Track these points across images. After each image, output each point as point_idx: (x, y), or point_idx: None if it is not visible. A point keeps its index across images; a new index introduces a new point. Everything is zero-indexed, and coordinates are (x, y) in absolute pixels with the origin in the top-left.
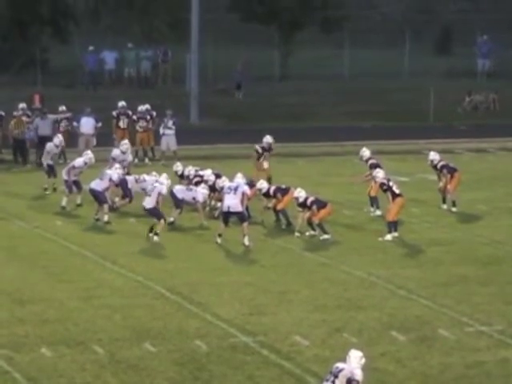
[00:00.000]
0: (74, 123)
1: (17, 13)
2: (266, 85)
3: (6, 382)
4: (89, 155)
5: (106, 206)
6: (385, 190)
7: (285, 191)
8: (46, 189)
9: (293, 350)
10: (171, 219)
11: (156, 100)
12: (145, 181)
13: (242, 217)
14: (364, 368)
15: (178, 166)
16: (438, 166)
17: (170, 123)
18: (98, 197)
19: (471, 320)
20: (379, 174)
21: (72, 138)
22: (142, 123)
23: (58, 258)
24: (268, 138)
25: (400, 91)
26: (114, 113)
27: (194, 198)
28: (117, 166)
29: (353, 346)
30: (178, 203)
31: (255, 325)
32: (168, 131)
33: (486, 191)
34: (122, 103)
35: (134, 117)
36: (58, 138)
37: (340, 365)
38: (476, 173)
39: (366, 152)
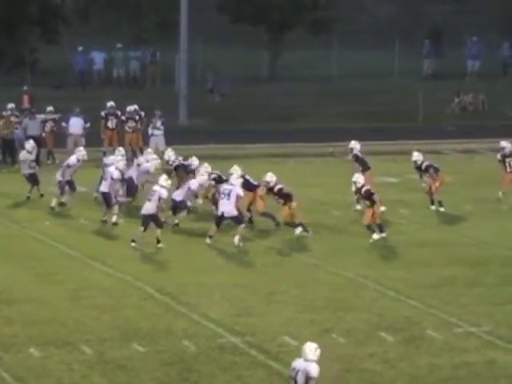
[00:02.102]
0: (63, 123)
1: (5, 13)
2: (255, 86)
3: None
4: (81, 152)
5: (115, 208)
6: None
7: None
8: (28, 197)
9: (281, 350)
10: (176, 221)
11: (145, 100)
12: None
13: (237, 220)
14: (352, 369)
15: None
16: (423, 167)
17: (159, 123)
18: (109, 199)
19: (459, 321)
20: (360, 179)
21: (61, 139)
22: (131, 123)
23: (47, 258)
24: None
25: (389, 92)
26: (103, 113)
27: (189, 189)
28: (117, 159)
29: (341, 346)
30: (180, 205)
31: (244, 325)
32: (157, 131)
33: (474, 192)
34: (110, 103)
35: (123, 117)
36: (30, 144)
37: (296, 365)
38: (464, 173)
39: (357, 145)
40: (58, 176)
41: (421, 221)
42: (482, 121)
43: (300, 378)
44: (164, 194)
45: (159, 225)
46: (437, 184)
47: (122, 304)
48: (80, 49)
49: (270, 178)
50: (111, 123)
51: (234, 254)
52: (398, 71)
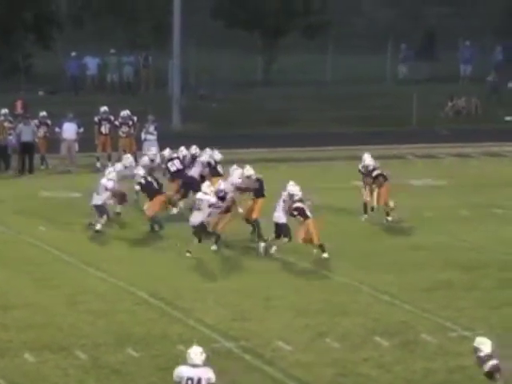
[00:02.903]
0: (56, 129)
1: (0, 19)
2: (249, 90)
3: None
4: (129, 159)
5: (104, 217)
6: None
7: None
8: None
9: (275, 355)
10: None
11: (138, 105)
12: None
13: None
14: (347, 373)
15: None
16: (374, 174)
17: (152, 128)
18: (100, 209)
19: (454, 325)
20: (295, 190)
21: (54, 144)
22: (125, 129)
23: (42, 263)
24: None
25: (383, 96)
26: (96, 118)
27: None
28: (110, 171)
29: (336, 350)
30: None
31: (238, 330)
32: (150, 136)
33: (468, 196)
34: (103, 108)
35: (116, 122)
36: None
37: (184, 372)
38: (459, 177)
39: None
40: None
41: (416, 224)
42: (475, 125)
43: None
44: (212, 200)
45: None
46: (385, 193)
47: (116, 309)
48: (73, 54)
49: (369, 161)
50: (104, 128)
51: (228, 258)
52: (392, 75)
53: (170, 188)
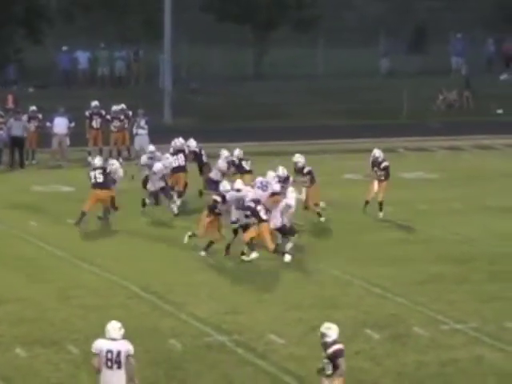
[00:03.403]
0: (47, 123)
1: None
2: (240, 84)
3: None
4: (169, 159)
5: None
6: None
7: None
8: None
9: (268, 348)
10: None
11: (129, 100)
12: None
13: None
14: None
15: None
16: (305, 171)
17: (143, 123)
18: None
19: (446, 318)
20: (250, 193)
21: (45, 138)
22: (116, 123)
23: (34, 258)
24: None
25: (374, 90)
26: (87, 113)
27: None
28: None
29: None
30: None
31: (230, 324)
32: (141, 131)
33: (460, 189)
34: (94, 103)
35: (108, 116)
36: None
37: (104, 345)
38: (451, 170)
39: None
40: (149, 186)
41: (407, 218)
42: (467, 118)
43: (122, 359)
44: (292, 201)
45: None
46: (316, 193)
47: (108, 303)
48: (64, 48)
49: (299, 158)
50: (96, 123)
51: (220, 252)
52: (389, 68)
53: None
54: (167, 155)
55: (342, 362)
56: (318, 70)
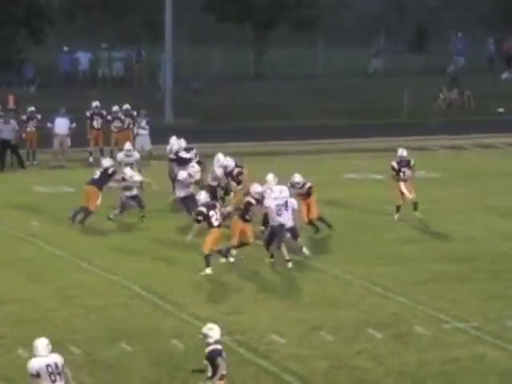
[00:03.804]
0: (48, 124)
1: None
2: (240, 84)
3: None
4: (194, 168)
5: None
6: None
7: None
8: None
9: (269, 348)
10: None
11: (131, 100)
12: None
13: None
14: (342, 366)
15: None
16: (305, 188)
17: (144, 123)
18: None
19: (448, 317)
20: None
21: (46, 139)
22: (117, 123)
23: (35, 258)
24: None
25: (374, 89)
26: (88, 113)
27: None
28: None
29: (330, 343)
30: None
31: (232, 324)
32: (142, 131)
33: (461, 188)
34: (95, 103)
35: (109, 117)
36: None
37: (43, 362)
38: (452, 170)
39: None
40: (178, 193)
41: (408, 217)
42: (468, 117)
43: (61, 369)
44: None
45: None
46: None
47: (109, 303)
48: (65, 49)
49: (299, 179)
50: (96, 123)
51: (219, 252)
52: (383, 68)
53: None
54: (193, 163)
55: (220, 362)
56: (318, 70)
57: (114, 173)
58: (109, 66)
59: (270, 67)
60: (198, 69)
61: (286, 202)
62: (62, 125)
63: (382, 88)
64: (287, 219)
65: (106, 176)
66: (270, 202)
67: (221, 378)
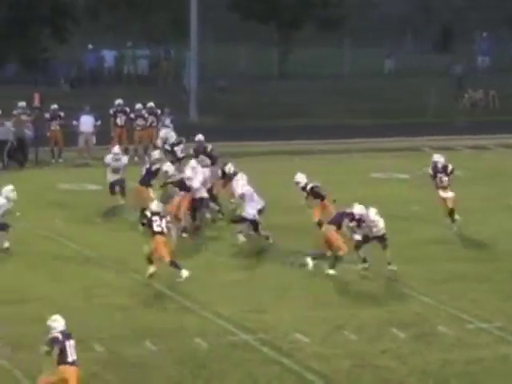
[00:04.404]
0: (74, 122)
1: (17, 13)
2: (265, 83)
3: (8, 381)
4: (205, 175)
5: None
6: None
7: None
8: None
9: (293, 347)
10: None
11: (156, 98)
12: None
13: None
14: (365, 365)
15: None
16: (308, 188)
17: (168, 121)
18: None
19: (471, 317)
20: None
21: (72, 137)
22: (140, 121)
23: (59, 256)
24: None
25: (399, 89)
26: (111, 111)
27: None
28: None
29: (353, 343)
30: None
31: (255, 322)
32: (166, 129)
33: (484, 188)
34: (118, 101)
35: (132, 115)
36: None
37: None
38: (474, 169)
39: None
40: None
41: (431, 217)
42: (492, 117)
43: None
44: None
45: None
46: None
47: (134, 302)
48: (90, 47)
49: (301, 178)
50: (120, 120)
51: (244, 250)
52: (409, 68)
53: None
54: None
55: (57, 349)
56: (344, 70)
57: (157, 170)
58: (134, 63)
59: (295, 66)
60: (223, 67)
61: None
62: (87, 122)
63: (406, 88)
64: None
65: (151, 173)
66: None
67: (63, 363)
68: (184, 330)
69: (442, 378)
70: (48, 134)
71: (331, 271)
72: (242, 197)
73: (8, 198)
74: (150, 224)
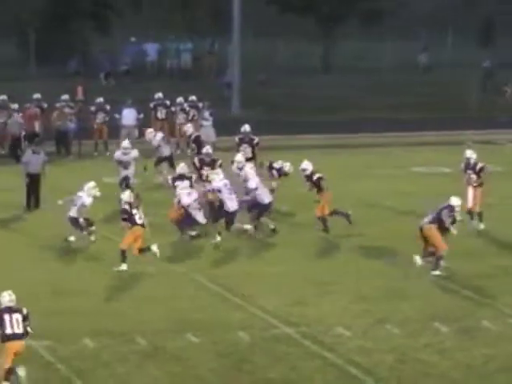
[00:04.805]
0: (116, 115)
1: (58, 7)
2: (306, 76)
3: (50, 373)
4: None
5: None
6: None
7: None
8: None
9: (335, 341)
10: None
11: (198, 92)
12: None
13: None
14: (407, 359)
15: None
16: (314, 178)
17: (207, 114)
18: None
19: None
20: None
21: (114, 130)
22: (182, 115)
23: (102, 250)
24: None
25: (442, 83)
26: (152, 104)
27: None
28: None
29: (396, 336)
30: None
31: (298, 316)
32: (205, 122)
33: None
34: (158, 95)
35: (173, 108)
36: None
37: None
38: None
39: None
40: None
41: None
42: None
43: None
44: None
45: None
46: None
47: (176, 295)
48: (133, 40)
49: (306, 165)
50: (160, 114)
51: (286, 244)
52: (451, 62)
53: None
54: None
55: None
56: (385, 63)
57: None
58: (177, 57)
59: (337, 60)
60: (262, 61)
61: None
62: (129, 116)
63: (449, 82)
64: None
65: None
66: None
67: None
68: (227, 323)
69: (486, 372)
70: (95, 127)
71: (436, 272)
72: (220, 190)
73: (90, 195)
74: (130, 218)
